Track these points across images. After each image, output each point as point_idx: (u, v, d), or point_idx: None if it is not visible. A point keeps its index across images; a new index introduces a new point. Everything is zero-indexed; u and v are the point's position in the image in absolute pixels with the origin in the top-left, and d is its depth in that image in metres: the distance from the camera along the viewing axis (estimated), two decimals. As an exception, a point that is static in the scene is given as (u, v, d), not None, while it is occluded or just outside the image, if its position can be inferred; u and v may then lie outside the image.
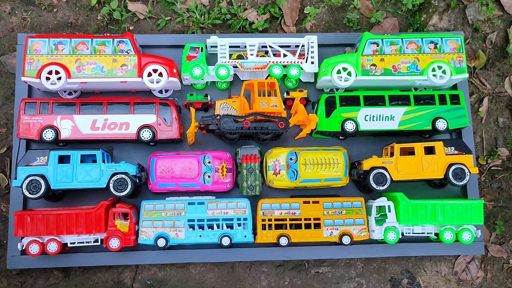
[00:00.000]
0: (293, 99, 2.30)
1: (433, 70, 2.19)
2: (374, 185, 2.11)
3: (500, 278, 2.36)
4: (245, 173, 2.15)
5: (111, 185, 2.04)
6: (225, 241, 2.10)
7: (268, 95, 2.19)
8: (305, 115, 2.19)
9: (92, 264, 2.18)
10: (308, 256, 2.23)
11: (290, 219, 2.14)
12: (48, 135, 2.10)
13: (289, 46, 2.33)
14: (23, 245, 2.04)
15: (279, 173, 2.20)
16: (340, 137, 2.37)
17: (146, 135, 2.14)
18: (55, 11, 2.48)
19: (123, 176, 2.04)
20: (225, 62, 2.25)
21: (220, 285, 2.28)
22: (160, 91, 2.33)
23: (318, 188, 2.26)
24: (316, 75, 2.37)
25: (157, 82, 2.15)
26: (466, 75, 2.20)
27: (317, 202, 2.17)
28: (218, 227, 2.11)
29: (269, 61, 2.26)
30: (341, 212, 2.16)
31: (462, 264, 2.35)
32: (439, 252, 2.27)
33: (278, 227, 2.15)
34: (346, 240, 2.14)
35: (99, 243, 2.07)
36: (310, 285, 2.30)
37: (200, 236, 2.10)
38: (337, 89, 2.36)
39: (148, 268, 2.27)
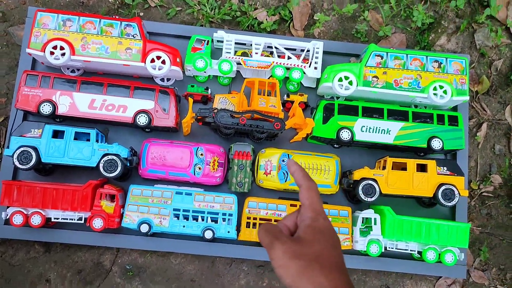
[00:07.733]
0: (292, 102, 2.30)
1: (435, 88, 2.19)
2: (362, 196, 2.11)
3: (480, 304, 2.35)
4: (236, 169, 2.15)
5: (100, 165, 2.04)
6: (208, 234, 2.09)
7: (267, 95, 2.19)
8: (302, 118, 2.19)
9: (74, 242, 2.18)
10: (289, 259, 2.21)
11: (275, 220, 2.14)
12: (46, 109, 2.11)
13: (294, 50, 2.33)
14: (7, 215, 2.04)
15: (270, 174, 2.20)
16: (335, 145, 2.37)
17: (142, 120, 2.15)
18: (69, -11, 2.50)
19: (114, 157, 2.05)
20: (229, 57, 2.26)
21: (199, 278, 2.27)
22: (162, 79, 2.34)
23: (307, 193, 2.25)
24: (318, 81, 2.38)
25: (159, 69, 2.16)
26: (467, 98, 2.20)
27: (304, 206, 2.16)
28: (202, 219, 2.11)
29: (273, 62, 2.26)
30: (327, 219, 2.15)
31: (443, 286, 2.34)
32: (421, 271, 2.25)
33: (262, 226, 2.14)
34: (328, 247, 2.12)
35: (82, 222, 2.08)
36: (288, 289, 2.28)
37: (184, 226, 2.10)
38: (338, 98, 2.37)
39: (129, 253, 2.27)
